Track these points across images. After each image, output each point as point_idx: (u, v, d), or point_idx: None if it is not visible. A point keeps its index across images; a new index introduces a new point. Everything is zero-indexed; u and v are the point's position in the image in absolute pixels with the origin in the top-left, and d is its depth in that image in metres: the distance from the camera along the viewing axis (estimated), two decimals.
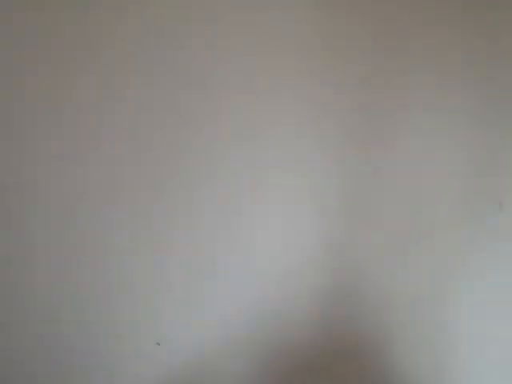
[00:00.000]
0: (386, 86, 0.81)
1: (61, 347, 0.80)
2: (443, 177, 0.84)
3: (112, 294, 0.80)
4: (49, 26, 0.73)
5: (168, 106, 0.77)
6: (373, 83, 0.81)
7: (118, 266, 0.79)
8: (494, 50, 0.82)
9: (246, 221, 0.81)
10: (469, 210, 0.84)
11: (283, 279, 0.82)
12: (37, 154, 0.76)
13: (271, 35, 0.78)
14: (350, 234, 0.83)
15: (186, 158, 0.79)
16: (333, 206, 0.82)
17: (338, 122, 0.81)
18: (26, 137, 0.75)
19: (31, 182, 0.76)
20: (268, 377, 0.83)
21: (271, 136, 0.80)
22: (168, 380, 0.82)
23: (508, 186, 0.85)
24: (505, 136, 0.84)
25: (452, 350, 0.86)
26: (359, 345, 0.85)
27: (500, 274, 0.85)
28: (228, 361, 0.82)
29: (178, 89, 0.77)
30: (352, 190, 0.82)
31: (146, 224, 0.79)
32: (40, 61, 0.74)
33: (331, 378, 0.85)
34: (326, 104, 0.80)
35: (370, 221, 0.83)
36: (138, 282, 0.80)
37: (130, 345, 0.79)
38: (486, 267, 0.85)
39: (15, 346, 0.79)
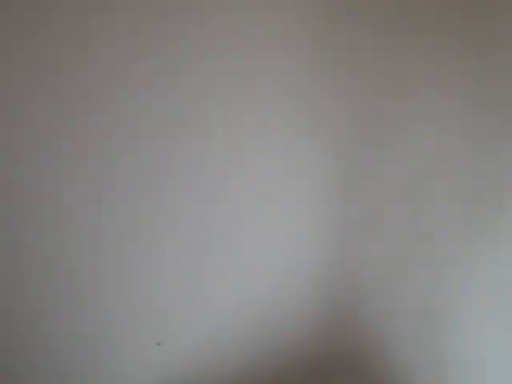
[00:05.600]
0: (385, 86, 0.81)
1: (59, 347, 0.80)
2: (442, 177, 0.84)
3: (111, 293, 0.80)
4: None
5: (167, 104, 0.77)
6: (372, 85, 0.81)
7: (118, 266, 0.79)
8: (494, 50, 0.82)
9: (246, 222, 0.81)
10: (468, 209, 0.84)
11: (283, 280, 0.82)
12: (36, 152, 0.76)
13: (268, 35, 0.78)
14: (349, 234, 0.83)
15: (184, 158, 0.79)
16: (332, 207, 0.82)
17: (338, 123, 0.81)
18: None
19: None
20: (268, 377, 0.83)
21: (271, 137, 0.80)
22: (168, 380, 0.82)
23: (507, 185, 0.85)
24: (505, 136, 0.84)
25: (451, 350, 0.86)
26: (359, 346, 0.85)
27: (500, 275, 0.85)
28: (228, 361, 0.82)
29: (177, 87, 0.77)
30: (352, 190, 0.82)
31: (146, 224, 0.79)
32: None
33: (331, 378, 0.85)
34: (325, 104, 0.80)
35: (370, 221, 0.83)
36: (138, 282, 0.80)
37: (130, 345, 0.79)
38: (486, 267, 0.85)
39: (14, 345, 0.79)
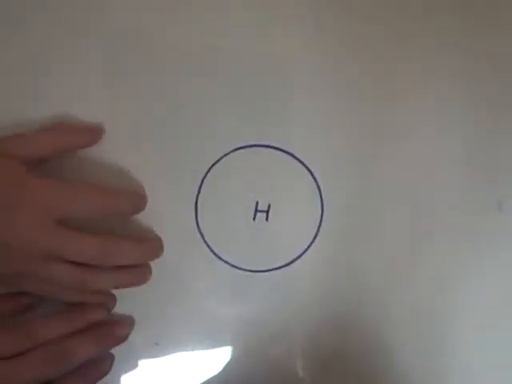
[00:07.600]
0: (385, 83, 0.81)
1: None
2: (442, 177, 0.84)
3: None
4: None
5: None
6: (372, 84, 0.81)
7: None
8: (495, 50, 0.82)
9: (246, 223, 0.81)
10: (468, 210, 0.85)
11: (283, 281, 0.82)
12: None
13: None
14: (348, 235, 0.83)
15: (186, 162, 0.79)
16: (332, 208, 0.82)
17: (338, 125, 0.81)
18: None
19: None
20: (268, 377, 0.83)
21: (271, 138, 0.80)
22: (167, 380, 0.81)
23: (507, 185, 0.85)
24: (504, 135, 0.84)
25: (451, 351, 0.86)
26: (359, 349, 0.84)
27: (500, 275, 0.86)
28: (228, 361, 0.82)
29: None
30: (351, 191, 0.82)
31: (148, 223, 0.78)
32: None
33: (330, 379, 0.85)
34: (325, 103, 0.81)
35: (369, 222, 0.83)
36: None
37: (129, 344, 0.78)
38: (486, 268, 0.85)
39: None
